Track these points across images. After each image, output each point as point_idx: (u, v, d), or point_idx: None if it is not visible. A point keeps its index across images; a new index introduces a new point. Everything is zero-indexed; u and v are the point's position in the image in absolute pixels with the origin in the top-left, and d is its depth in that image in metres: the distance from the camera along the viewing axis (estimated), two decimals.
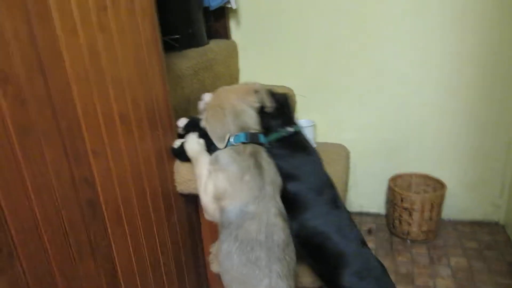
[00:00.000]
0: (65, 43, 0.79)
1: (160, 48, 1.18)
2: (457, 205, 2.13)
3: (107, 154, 0.93)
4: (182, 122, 1.22)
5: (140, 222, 1.08)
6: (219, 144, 1.01)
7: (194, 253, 1.40)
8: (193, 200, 1.34)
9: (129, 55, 1.01)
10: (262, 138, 1.04)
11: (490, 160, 2.02)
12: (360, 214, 2.33)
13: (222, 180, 0.95)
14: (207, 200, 1.00)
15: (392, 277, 1.68)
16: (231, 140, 0.98)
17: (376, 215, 2.31)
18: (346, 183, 1.90)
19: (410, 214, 1.96)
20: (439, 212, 1.98)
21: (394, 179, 2.12)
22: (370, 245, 2.03)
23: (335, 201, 1.15)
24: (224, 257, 0.92)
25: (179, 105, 1.44)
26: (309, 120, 2.18)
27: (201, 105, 1.26)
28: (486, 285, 1.70)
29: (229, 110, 1.02)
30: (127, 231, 1.02)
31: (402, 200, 1.96)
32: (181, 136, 1.26)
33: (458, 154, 2.06)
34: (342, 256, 1.08)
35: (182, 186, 1.25)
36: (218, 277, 1.47)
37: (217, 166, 0.98)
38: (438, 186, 2.05)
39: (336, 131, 2.22)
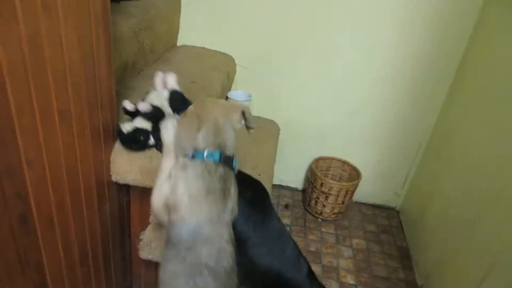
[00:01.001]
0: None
1: (109, 17, 1.02)
2: (365, 190, 2.35)
3: (43, 161, 0.82)
4: (144, 107, 1.09)
5: (72, 221, 1.00)
6: (174, 155, 0.94)
7: (121, 241, 1.36)
8: (125, 187, 1.27)
9: (72, 34, 0.86)
10: (235, 163, 0.99)
11: (401, 155, 2.25)
12: (280, 187, 2.45)
13: (182, 191, 0.90)
14: (157, 200, 0.95)
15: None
16: (204, 154, 0.92)
17: (293, 190, 2.45)
18: (274, 160, 1.96)
19: (327, 198, 2.12)
20: (351, 197, 2.18)
21: (316, 162, 2.25)
22: (285, 220, 2.17)
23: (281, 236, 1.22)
24: (169, 277, 0.90)
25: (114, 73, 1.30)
26: (247, 92, 2.15)
27: (158, 82, 1.15)
28: (379, 266, 1.96)
29: (210, 123, 0.94)
30: (58, 234, 0.94)
31: (321, 185, 2.10)
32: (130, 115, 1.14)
33: (377, 146, 2.24)
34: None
35: (119, 176, 1.17)
36: (145, 263, 1.46)
37: (182, 174, 0.92)
38: (353, 173, 2.23)
39: (271, 108, 2.23)
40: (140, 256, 1.34)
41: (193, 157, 0.94)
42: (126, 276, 1.51)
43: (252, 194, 1.20)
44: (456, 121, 1.89)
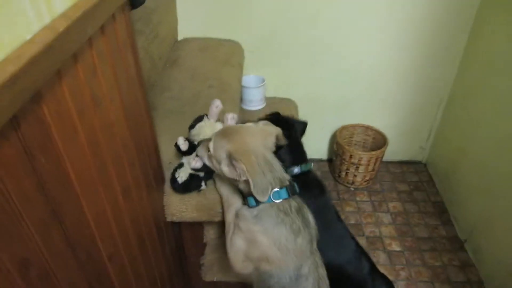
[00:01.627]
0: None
1: (143, 80, 0.95)
2: (390, 148, 2.35)
3: (121, 253, 0.80)
4: (196, 164, 1.04)
5: (143, 270, 0.99)
6: (261, 198, 0.90)
7: (181, 269, 1.37)
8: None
9: (120, 117, 0.80)
10: (296, 187, 0.96)
11: (423, 112, 2.22)
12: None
13: (267, 245, 0.87)
14: (235, 258, 0.94)
15: None
16: (271, 197, 0.89)
17: (319, 161, 2.45)
18: None
19: (357, 168, 2.13)
20: (380, 163, 2.18)
21: (340, 132, 2.22)
22: None
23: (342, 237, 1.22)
24: None
25: None
26: (260, 76, 2.08)
27: (214, 112, 1.10)
28: (419, 227, 2.02)
29: (261, 160, 0.89)
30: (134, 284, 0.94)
31: (350, 157, 2.09)
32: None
33: (398, 106, 2.20)
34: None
35: (175, 217, 1.16)
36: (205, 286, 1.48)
37: (257, 227, 0.89)
38: (378, 137, 2.21)
39: (285, 86, 2.17)
40: (204, 279, 1.36)
41: (257, 203, 0.91)
42: None
43: (315, 203, 1.18)
44: (479, 72, 1.84)
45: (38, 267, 0.52)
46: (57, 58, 0.53)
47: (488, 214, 1.75)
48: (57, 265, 0.56)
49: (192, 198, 1.13)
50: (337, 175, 2.28)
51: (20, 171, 0.49)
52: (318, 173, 2.36)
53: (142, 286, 0.96)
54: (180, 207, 1.14)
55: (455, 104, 2.08)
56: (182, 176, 1.06)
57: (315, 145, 2.41)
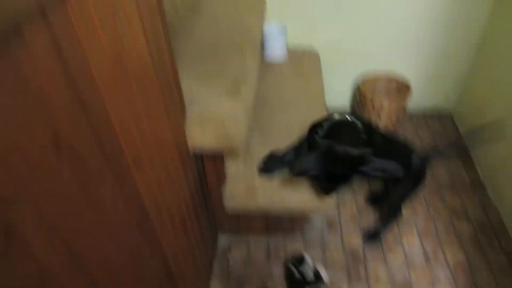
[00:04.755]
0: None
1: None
2: (415, 98, 2.32)
3: (144, 164, 0.87)
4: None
5: (167, 190, 1.08)
6: None
7: (204, 197, 1.46)
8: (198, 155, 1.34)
9: (140, 38, 0.86)
10: None
11: (450, 60, 2.16)
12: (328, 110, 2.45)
13: None
14: None
15: None
16: None
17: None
18: (322, 89, 1.95)
19: (379, 116, 2.13)
20: (403, 112, 2.17)
21: (363, 83, 2.21)
22: None
23: None
24: None
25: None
26: (281, 24, 2.08)
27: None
28: (441, 171, 2.02)
29: None
30: (165, 214, 1.03)
31: (373, 107, 2.09)
32: None
33: (424, 53, 2.16)
34: None
35: (196, 146, 1.23)
36: (226, 213, 1.57)
37: None
38: (401, 87, 2.19)
39: (306, 33, 2.16)
40: (227, 209, 1.45)
41: None
42: (212, 226, 1.65)
43: None
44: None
45: (69, 147, 0.60)
46: None
47: (505, 156, 1.74)
48: (85, 151, 0.64)
49: (211, 128, 1.20)
50: None
51: (49, 61, 0.56)
52: None
53: (167, 203, 1.05)
54: (200, 138, 1.21)
55: (486, 51, 2.02)
56: None
57: (338, 95, 2.41)
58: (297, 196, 1.41)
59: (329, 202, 1.42)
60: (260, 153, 1.53)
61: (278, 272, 1.64)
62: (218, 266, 1.69)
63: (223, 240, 1.78)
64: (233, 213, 1.51)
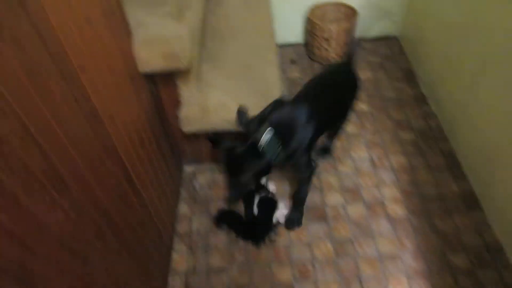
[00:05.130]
0: None
1: None
2: (364, 25, 2.42)
3: (93, 75, 0.94)
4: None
5: (126, 114, 1.16)
6: None
7: (162, 123, 1.55)
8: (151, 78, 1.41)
9: None
10: None
11: None
12: (282, 45, 2.53)
13: None
14: None
15: None
16: None
17: (295, 45, 2.54)
18: (271, 19, 2.01)
19: (329, 42, 2.22)
20: (352, 37, 2.27)
21: (312, 11, 2.28)
22: (296, 74, 2.32)
23: None
24: None
25: None
26: None
27: None
28: (388, 90, 2.17)
29: None
30: (120, 126, 1.11)
31: (321, 31, 2.18)
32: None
33: None
34: None
35: (145, 66, 1.29)
36: (186, 138, 1.67)
37: None
38: (349, 12, 2.27)
39: None
40: (183, 130, 1.55)
41: None
42: (174, 152, 1.75)
43: None
44: None
45: (10, 35, 0.66)
46: None
47: (442, 69, 1.89)
48: (26, 42, 0.71)
49: (158, 48, 1.26)
50: (311, 53, 2.38)
51: None
52: (295, 56, 2.46)
53: (120, 116, 1.12)
54: (148, 58, 1.27)
55: None
56: None
57: (291, 28, 2.48)
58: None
59: None
60: (212, 78, 1.61)
61: None
62: (185, 192, 1.81)
63: (188, 169, 1.89)
64: (190, 134, 1.60)
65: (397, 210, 1.65)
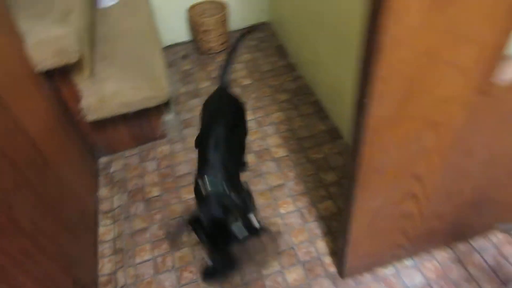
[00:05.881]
0: None
1: None
2: (238, 17, 2.84)
3: None
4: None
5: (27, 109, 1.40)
6: None
7: (67, 118, 1.79)
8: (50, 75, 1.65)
9: None
10: None
11: None
12: (171, 46, 2.86)
13: None
14: None
15: (211, 82, 2.41)
16: None
17: (184, 44, 2.88)
18: (153, 24, 2.34)
19: (208, 34, 2.60)
20: (227, 27, 2.67)
21: (191, 10, 2.64)
22: (187, 67, 2.66)
23: None
24: None
25: None
26: None
27: None
28: (264, 65, 2.59)
29: None
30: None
31: (200, 25, 2.55)
32: None
33: None
34: None
35: (40, 65, 1.54)
36: (92, 128, 1.91)
37: None
38: (220, 6, 2.67)
39: None
40: (87, 120, 1.80)
41: None
42: (86, 146, 1.99)
43: None
44: None
45: None
46: None
47: (304, 45, 2.35)
48: None
49: (48, 47, 1.52)
50: (198, 48, 2.75)
51: None
52: (184, 52, 2.81)
53: (32, 125, 1.37)
54: (41, 56, 1.53)
55: None
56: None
57: (177, 29, 2.81)
58: (137, 93, 1.82)
59: (164, 91, 1.86)
60: (106, 72, 1.89)
61: (152, 167, 2.06)
62: (103, 179, 2.05)
63: (103, 160, 2.13)
64: (94, 121, 1.85)
65: (280, 152, 2.05)
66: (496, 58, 0.88)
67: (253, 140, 2.12)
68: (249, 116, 2.25)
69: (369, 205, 1.19)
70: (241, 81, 2.49)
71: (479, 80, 0.92)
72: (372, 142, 0.98)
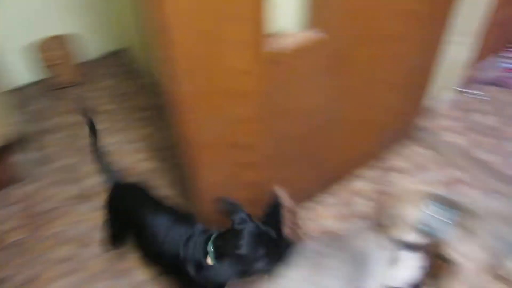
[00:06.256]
0: None
1: None
2: (92, 47, 2.85)
3: None
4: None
5: None
6: None
7: None
8: None
9: None
10: None
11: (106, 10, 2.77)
12: (22, 87, 2.72)
13: None
14: None
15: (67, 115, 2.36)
16: None
17: (36, 82, 2.76)
18: None
19: (59, 69, 2.56)
20: (78, 59, 2.66)
21: (37, 47, 2.54)
22: (40, 105, 2.57)
23: None
24: None
25: None
26: None
27: None
28: (125, 87, 2.65)
29: None
30: None
31: (50, 60, 2.51)
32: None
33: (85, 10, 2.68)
34: None
35: None
36: None
37: None
38: (66, 39, 2.64)
39: None
40: None
41: None
42: None
43: None
44: None
45: None
46: None
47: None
48: None
49: None
50: (50, 84, 2.67)
51: None
52: (35, 91, 2.69)
53: None
54: None
55: None
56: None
57: (21, 70, 2.67)
58: None
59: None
60: None
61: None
62: None
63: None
64: None
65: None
66: (266, 31, 1.08)
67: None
68: (113, 139, 2.27)
69: (209, 181, 1.31)
70: (104, 107, 2.52)
71: (262, 51, 1.11)
72: (192, 119, 1.12)
